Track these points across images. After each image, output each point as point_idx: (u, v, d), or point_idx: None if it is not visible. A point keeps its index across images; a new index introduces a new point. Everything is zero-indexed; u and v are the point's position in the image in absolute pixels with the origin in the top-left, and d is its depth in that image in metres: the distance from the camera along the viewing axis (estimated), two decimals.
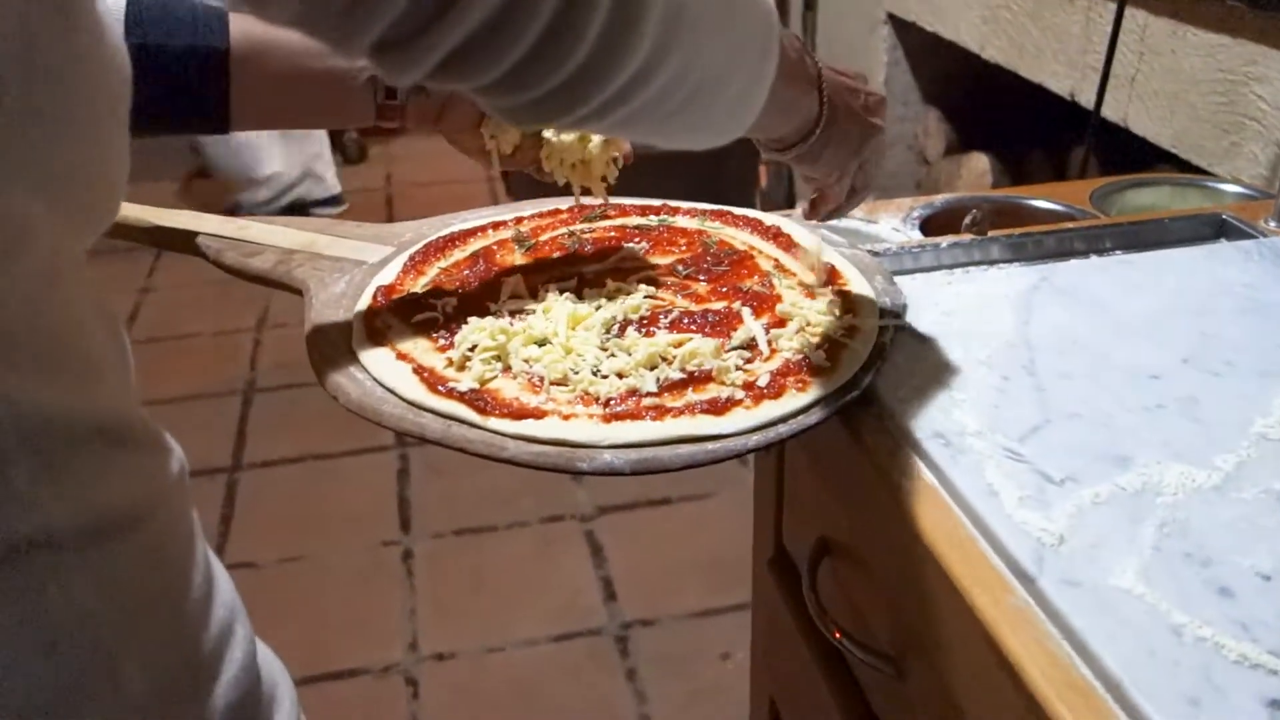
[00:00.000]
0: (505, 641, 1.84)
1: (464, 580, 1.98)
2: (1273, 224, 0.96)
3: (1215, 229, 0.97)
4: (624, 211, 0.93)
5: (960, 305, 0.80)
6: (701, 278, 0.82)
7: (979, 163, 2.20)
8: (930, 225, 1.10)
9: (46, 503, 0.41)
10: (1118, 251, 0.94)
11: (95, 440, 0.43)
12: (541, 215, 0.93)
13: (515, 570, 2.00)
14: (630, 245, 0.87)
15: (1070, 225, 0.96)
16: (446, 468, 2.25)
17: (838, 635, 0.76)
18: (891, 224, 1.10)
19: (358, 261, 0.85)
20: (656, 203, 0.94)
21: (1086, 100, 1.68)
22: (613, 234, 0.89)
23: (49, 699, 0.42)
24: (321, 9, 0.39)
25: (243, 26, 0.71)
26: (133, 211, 0.89)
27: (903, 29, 2.35)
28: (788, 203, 3.12)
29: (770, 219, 0.90)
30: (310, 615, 1.91)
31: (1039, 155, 2.14)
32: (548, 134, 0.80)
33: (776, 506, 0.95)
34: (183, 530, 0.49)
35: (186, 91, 0.69)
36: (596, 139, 0.81)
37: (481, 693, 1.75)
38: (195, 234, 0.88)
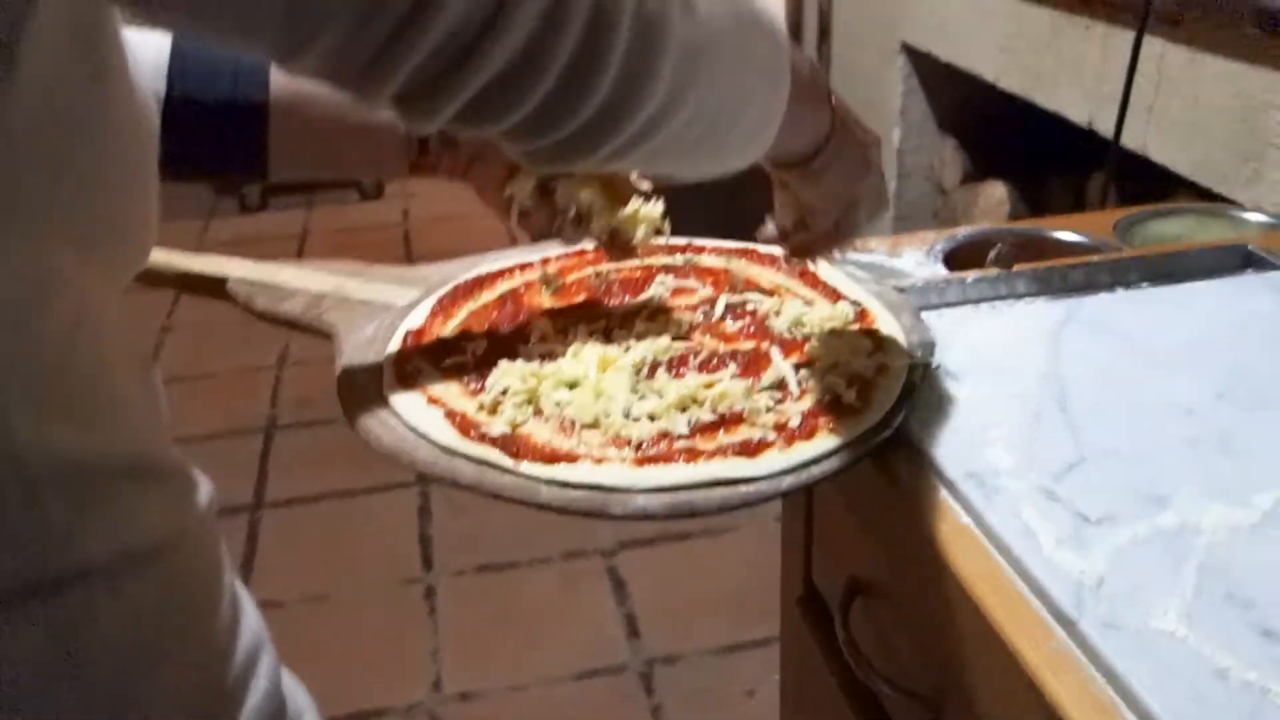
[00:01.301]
0: (529, 680, 1.83)
1: (487, 618, 1.98)
2: None
3: (1241, 260, 0.97)
4: (650, 250, 0.93)
5: (989, 340, 0.80)
6: (729, 318, 0.82)
7: (996, 191, 2.20)
8: (954, 258, 1.10)
9: (82, 538, 0.42)
10: (1144, 284, 0.93)
11: (126, 477, 0.45)
12: (568, 256, 0.93)
13: (538, 607, 2.00)
14: (658, 284, 0.87)
15: (1096, 258, 0.96)
16: (467, 504, 2.24)
17: (871, 675, 0.76)
18: (915, 258, 1.10)
19: (386, 305, 0.86)
20: (682, 242, 0.94)
21: (1104, 128, 1.68)
22: (639, 273, 0.89)
23: None
24: (347, 62, 0.39)
25: (283, 78, 0.72)
26: (160, 257, 0.90)
27: (918, 59, 2.36)
28: None
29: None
30: (334, 654, 1.91)
31: (1056, 183, 2.14)
32: (585, 196, 0.79)
33: (806, 545, 0.95)
34: (210, 561, 0.51)
35: (227, 141, 0.71)
36: (637, 205, 0.79)
37: None
38: (224, 279, 0.89)
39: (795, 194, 0.69)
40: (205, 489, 0.52)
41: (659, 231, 0.81)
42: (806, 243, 0.73)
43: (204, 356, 2.91)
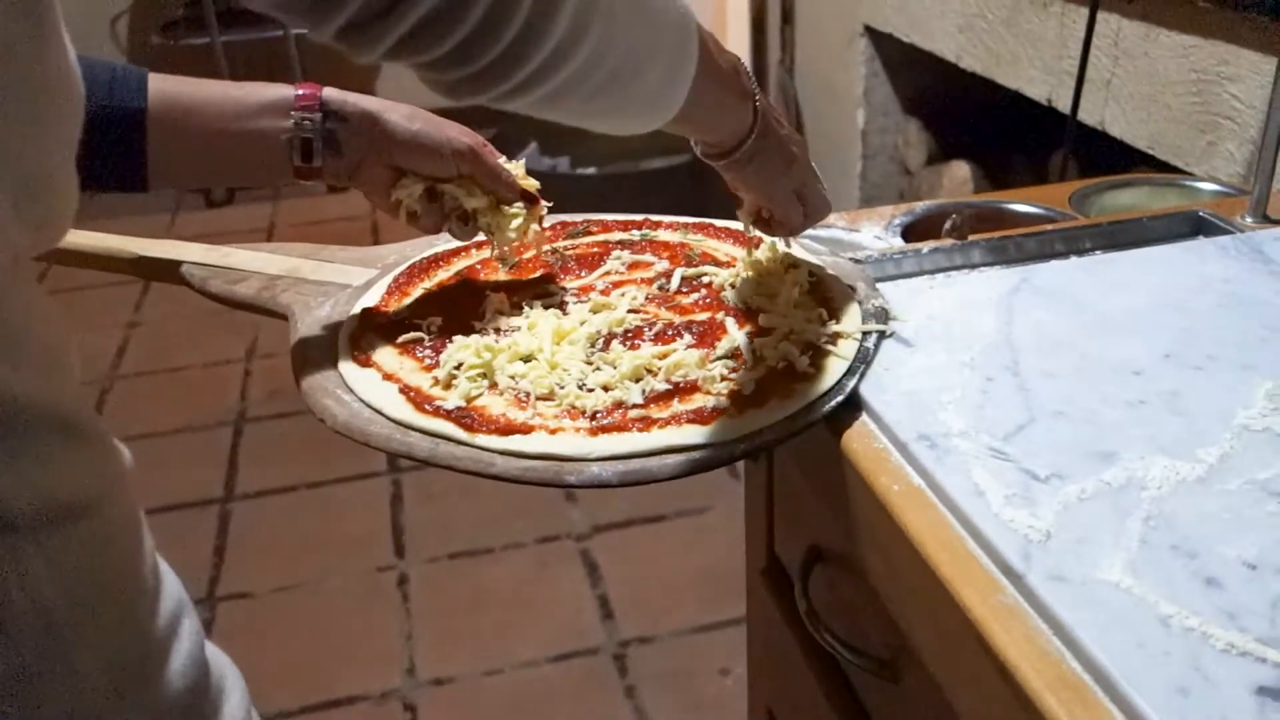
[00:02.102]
0: (503, 664, 1.83)
1: (460, 603, 1.98)
2: (1249, 219, 0.97)
3: (1193, 226, 0.98)
4: (606, 227, 0.94)
5: (942, 309, 0.80)
6: (685, 290, 0.82)
7: (961, 171, 2.21)
8: (912, 232, 1.11)
9: (6, 487, 0.42)
10: (1097, 251, 0.95)
11: (55, 429, 0.45)
12: None
13: (511, 592, 2.00)
14: (614, 259, 0.87)
15: (1050, 227, 0.97)
16: (439, 491, 2.24)
17: (830, 640, 0.77)
18: (873, 232, 1.10)
19: (342, 285, 0.86)
20: (639, 217, 0.94)
21: (1064, 105, 1.69)
22: (596, 249, 0.89)
23: (5, 682, 0.43)
24: None
25: (161, 86, 0.72)
26: (115, 242, 0.89)
27: (880, 40, 2.37)
28: None
29: (781, 247, 0.90)
30: (307, 643, 1.91)
31: (1020, 161, 2.16)
32: (470, 201, 0.80)
33: (768, 515, 0.95)
34: (131, 523, 0.52)
35: (102, 151, 0.70)
36: (520, 208, 0.82)
37: (481, 716, 1.74)
38: (179, 263, 0.88)
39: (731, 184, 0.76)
40: (125, 454, 0.53)
41: (540, 228, 0.85)
42: (785, 231, 0.80)
43: (172, 351, 2.89)
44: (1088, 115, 1.63)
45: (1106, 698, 0.47)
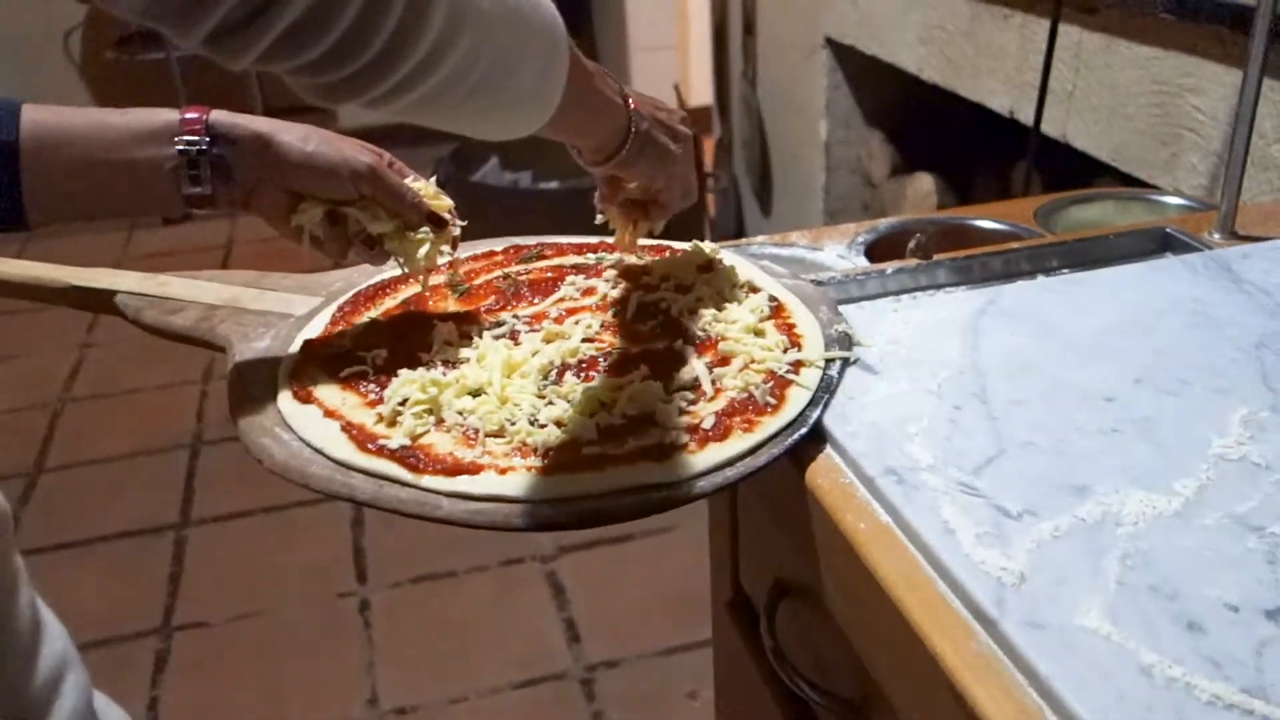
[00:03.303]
0: (468, 691, 1.79)
1: (424, 629, 1.93)
2: (1216, 236, 0.96)
3: (1160, 243, 0.97)
4: (561, 250, 0.91)
5: (908, 333, 0.78)
6: (642, 317, 0.79)
7: (924, 183, 2.20)
8: (875, 250, 1.09)
9: None
10: (1064, 270, 0.93)
11: None
12: (475, 258, 0.90)
13: (476, 616, 1.96)
14: (568, 284, 0.84)
15: (1016, 245, 0.95)
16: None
17: (797, 680, 0.74)
18: (836, 250, 1.08)
19: (284, 315, 0.82)
20: (594, 240, 0.91)
21: (1026, 117, 1.68)
22: (549, 274, 0.86)
23: None
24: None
25: (35, 117, 0.68)
26: (45, 271, 0.85)
27: (842, 53, 2.36)
28: (737, 232, 3.11)
29: (707, 248, 0.87)
30: (266, 674, 1.86)
31: (983, 173, 2.15)
32: (374, 225, 0.76)
33: (732, 547, 0.93)
34: (1, 579, 0.49)
35: None
36: (426, 232, 0.78)
37: None
38: (114, 293, 0.84)
39: (623, 183, 0.81)
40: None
41: (453, 253, 0.82)
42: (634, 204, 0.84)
43: (126, 373, 2.83)
44: (1050, 127, 1.62)
45: None
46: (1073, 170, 1.65)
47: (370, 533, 2.18)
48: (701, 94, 3.47)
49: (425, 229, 0.77)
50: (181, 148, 0.70)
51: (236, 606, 2.00)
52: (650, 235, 0.87)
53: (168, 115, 0.71)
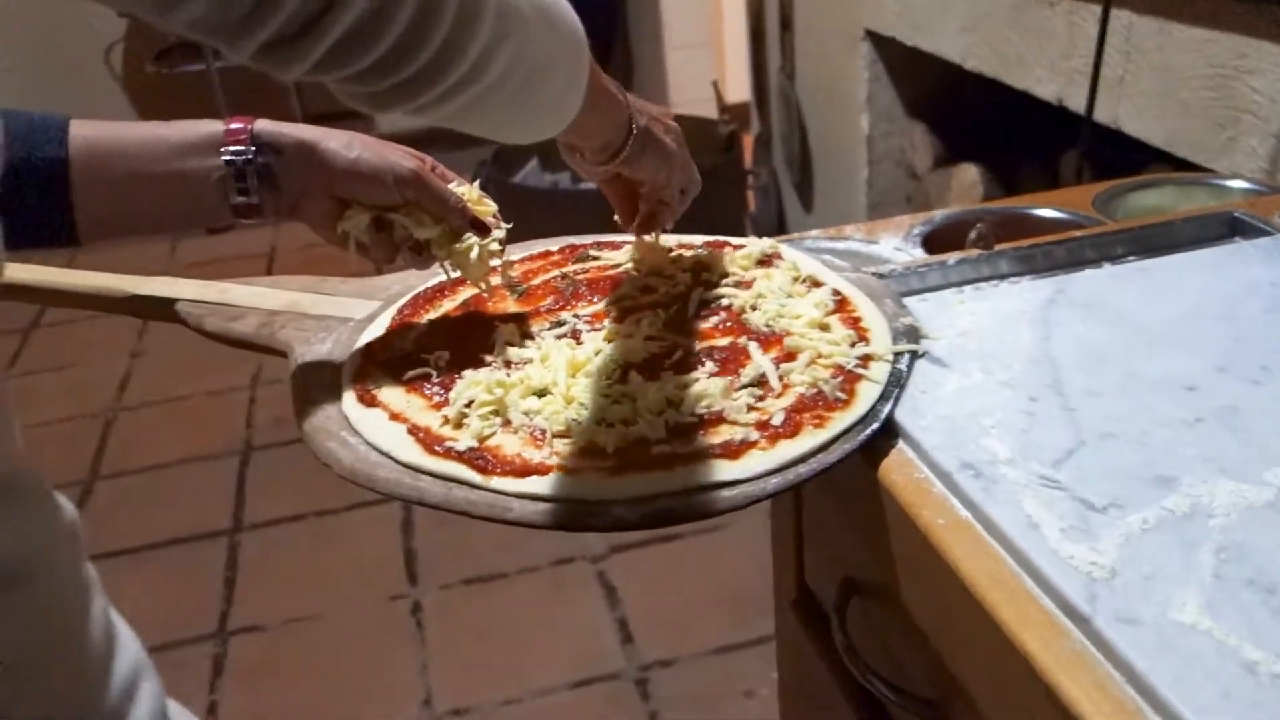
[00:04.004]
0: (522, 692, 1.79)
1: (476, 631, 1.94)
2: None
3: (1229, 227, 0.94)
4: (615, 247, 0.90)
5: (975, 324, 0.76)
6: (704, 314, 0.78)
7: (969, 174, 2.17)
8: (932, 241, 1.07)
9: None
10: (1131, 258, 0.90)
11: None
12: (532, 258, 0.90)
13: (528, 617, 1.96)
14: (628, 284, 0.83)
15: (1079, 234, 0.93)
16: (451, 517, 2.19)
17: (873, 679, 0.73)
18: (893, 243, 1.06)
19: (344, 319, 0.82)
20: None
21: (1074, 105, 1.65)
22: (608, 273, 0.85)
23: None
24: (224, 11, 0.44)
25: (83, 132, 0.68)
26: (107, 281, 0.86)
27: (882, 45, 2.33)
28: (778, 226, 3.09)
29: (763, 244, 0.86)
30: (320, 676, 1.87)
31: (1029, 163, 2.12)
32: (421, 231, 0.76)
33: (797, 546, 0.91)
34: (74, 587, 0.49)
35: (26, 206, 0.66)
36: (469, 237, 0.78)
37: None
38: (174, 301, 0.85)
39: (629, 181, 0.81)
40: (68, 513, 0.50)
41: (500, 257, 0.81)
42: (649, 215, 0.84)
43: (176, 381, 2.86)
44: (1101, 114, 1.59)
45: None
46: (1122, 158, 1.62)
47: (420, 535, 2.18)
48: (739, 90, 3.45)
49: (470, 235, 0.77)
50: (228, 158, 0.70)
51: (290, 610, 2.01)
52: (665, 232, 0.87)
53: (212, 126, 0.72)
